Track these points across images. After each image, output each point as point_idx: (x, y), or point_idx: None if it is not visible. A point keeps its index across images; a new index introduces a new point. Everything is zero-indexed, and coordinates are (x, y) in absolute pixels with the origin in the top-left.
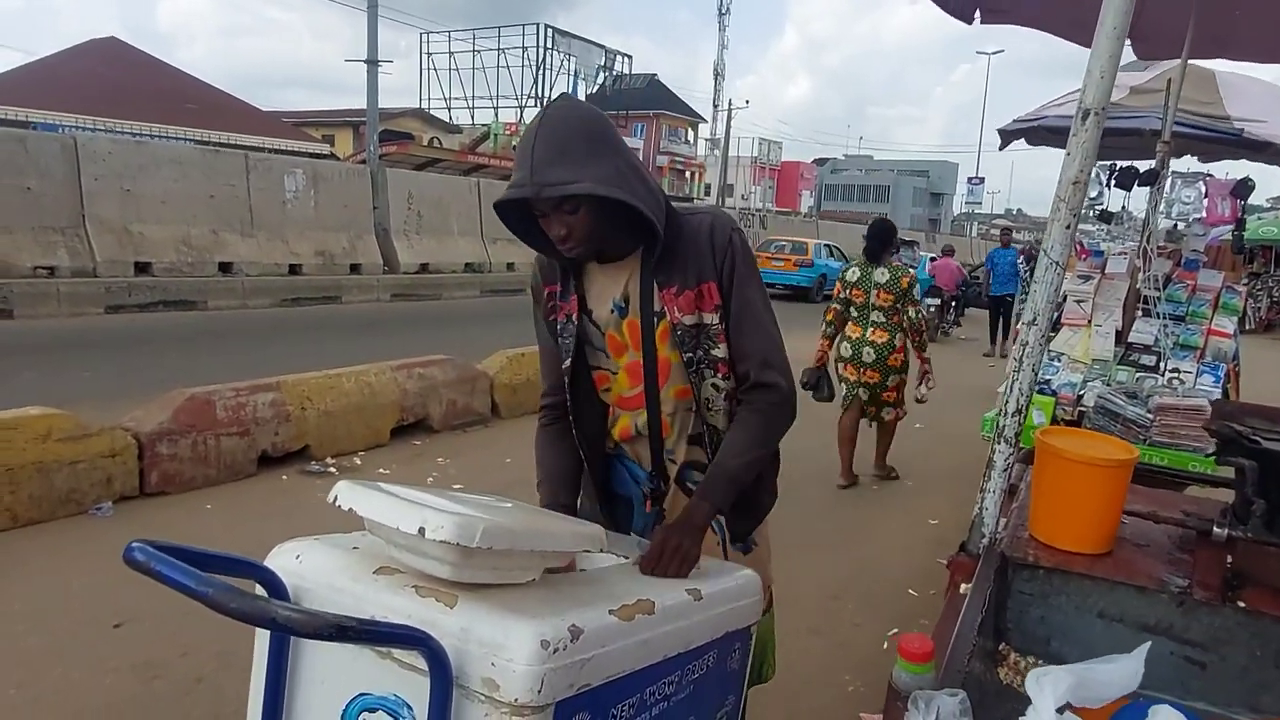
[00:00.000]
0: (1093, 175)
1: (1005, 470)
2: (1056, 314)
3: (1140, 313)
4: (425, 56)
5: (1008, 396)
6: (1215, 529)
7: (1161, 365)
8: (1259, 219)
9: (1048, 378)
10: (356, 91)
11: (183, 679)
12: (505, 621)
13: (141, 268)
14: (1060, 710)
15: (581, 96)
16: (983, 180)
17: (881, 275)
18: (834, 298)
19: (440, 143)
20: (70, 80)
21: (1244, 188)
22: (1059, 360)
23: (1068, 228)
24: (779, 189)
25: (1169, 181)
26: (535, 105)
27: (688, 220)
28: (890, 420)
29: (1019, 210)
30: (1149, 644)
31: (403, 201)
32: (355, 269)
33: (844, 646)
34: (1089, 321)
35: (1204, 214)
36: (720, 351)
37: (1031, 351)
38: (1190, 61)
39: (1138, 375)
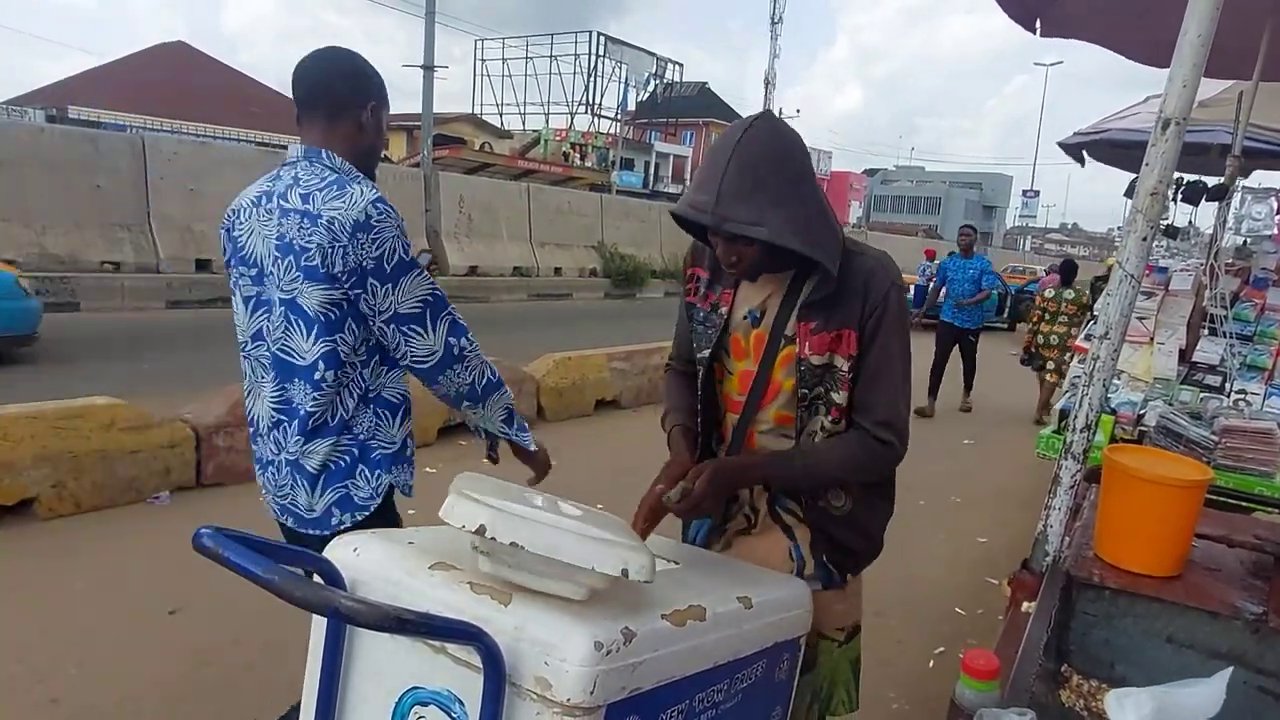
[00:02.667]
0: None
1: (1071, 487)
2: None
3: (1205, 331)
4: (479, 63)
5: (1076, 412)
6: None
7: (1227, 386)
8: None
9: (1108, 395)
10: (410, 96)
11: (233, 666)
12: (560, 622)
13: (202, 265)
14: None
15: (631, 104)
16: (1038, 193)
17: (1069, 293)
18: (1035, 305)
19: (491, 147)
20: (139, 82)
21: None
22: (1119, 378)
23: (1144, 240)
24: (829, 199)
25: (1239, 197)
26: (586, 111)
27: (850, 260)
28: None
29: (1075, 225)
30: (1231, 669)
31: (454, 205)
32: None
33: (888, 664)
34: (1151, 339)
35: (1275, 231)
36: (840, 397)
37: (1103, 366)
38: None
39: (1202, 395)
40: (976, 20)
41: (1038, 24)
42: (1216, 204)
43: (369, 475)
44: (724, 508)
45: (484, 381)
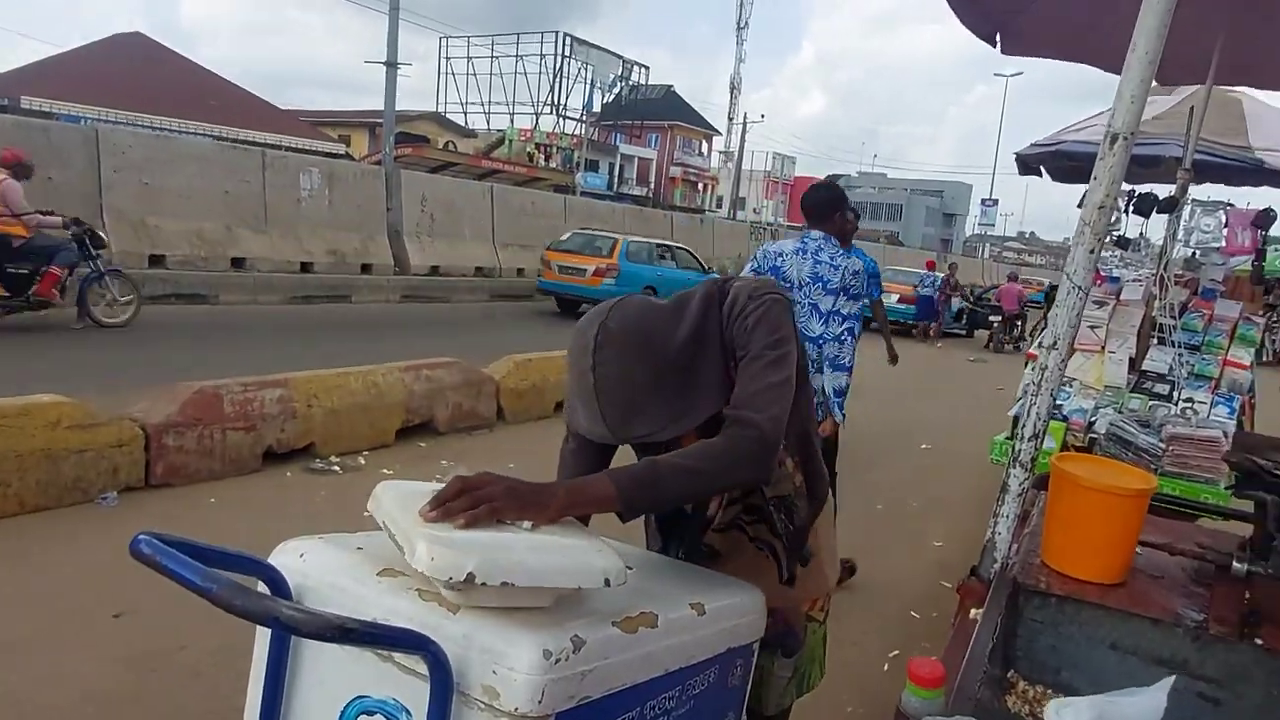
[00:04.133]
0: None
1: (1019, 495)
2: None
3: (1155, 340)
4: (444, 60)
5: (1024, 421)
6: (1235, 564)
7: (1175, 394)
8: (1277, 250)
9: (1059, 403)
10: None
11: (180, 672)
12: (508, 630)
13: (155, 260)
14: None
15: (597, 106)
16: (996, 202)
17: None
18: None
19: (455, 147)
20: (95, 73)
21: (1266, 218)
22: (1071, 386)
23: (1091, 252)
24: (791, 204)
25: (1188, 209)
26: (551, 112)
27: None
28: None
29: (1032, 233)
30: (1173, 678)
31: (416, 204)
32: (366, 269)
33: (844, 667)
34: (1103, 348)
35: (1223, 243)
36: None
37: (1051, 376)
38: (1216, 89)
39: (1150, 404)
40: (939, 30)
41: (998, 39)
42: (1167, 216)
43: None
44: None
45: None
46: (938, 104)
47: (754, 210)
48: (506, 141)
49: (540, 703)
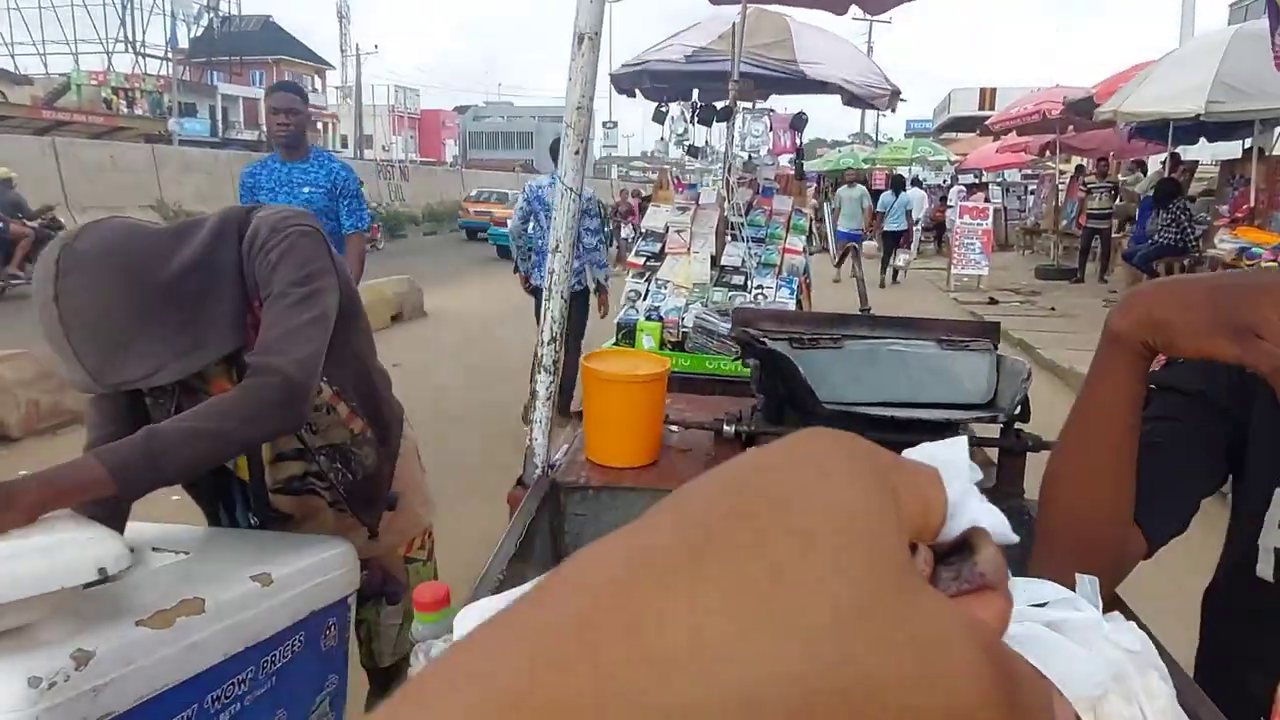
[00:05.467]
0: (679, 113)
1: (548, 399)
2: (661, 244)
3: (730, 238)
4: None
5: (543, 325)
6: (725, 427)
7: (749, 284)
8: (839, 152)
9: (656, 305)
10: None
11: None
12: None
13: None
14: None
15: (183, 40)
16: (616, 124)
17: None
18: None
19: (5, 97)
20: None
21: (799, 120)
22: (666, 287)
23: (576, 153)
24: (421, 139)
25: (740, 117)
26: (127, 50)
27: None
28: None
29: (654, 153)
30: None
31: None
32: None
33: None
34: (689, 250)
35: (770, 145)
36: None
37: (559, 280)
38: (764, 10)
39: (730, 294)
40: None
41: None
42: (725, 124)
43: None
44: None
45: None
46: (557, 28)
47: (383, 148)
48: (74, 87)
49: None
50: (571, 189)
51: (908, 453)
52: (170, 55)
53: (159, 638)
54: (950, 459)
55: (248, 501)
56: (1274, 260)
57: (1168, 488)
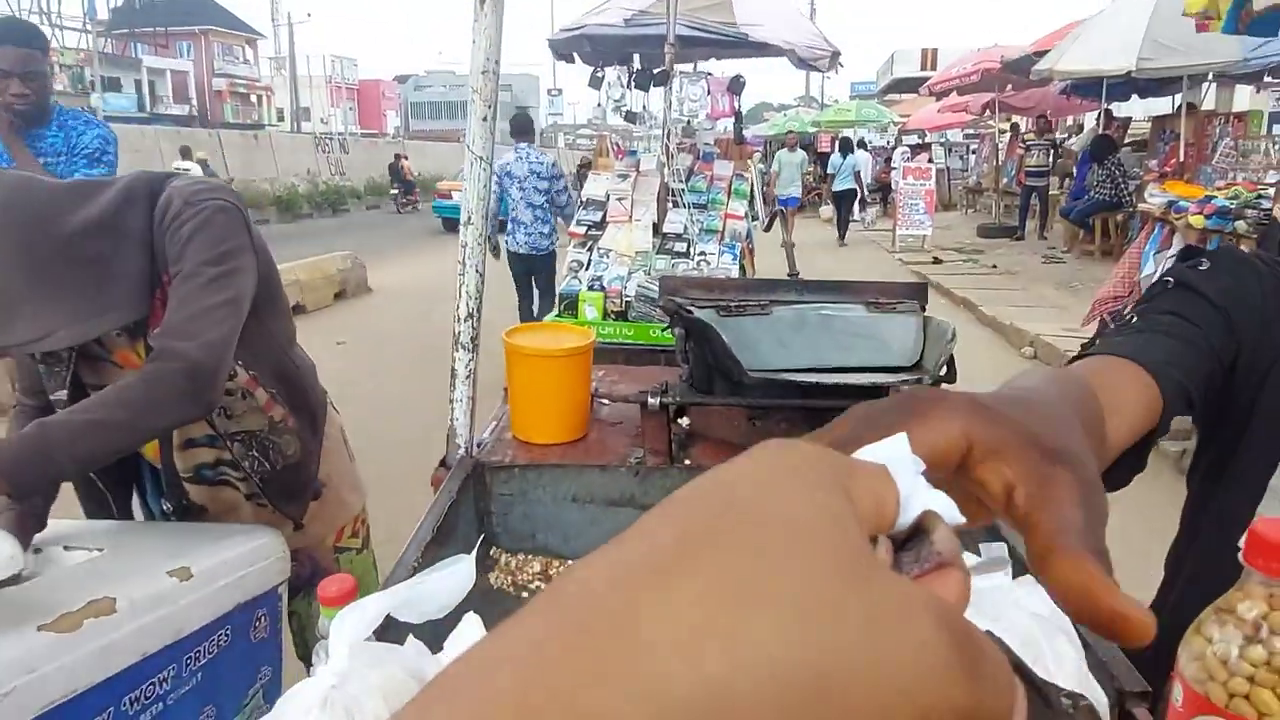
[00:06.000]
0: (616, 78)
1: (469, 378)
2: (602, 213)
3: (671, 205)
4: None
5: (459, 302)
6: (649, 399)
7: (691, 250)
8: (785, 116)
9: (599, 275)
10: None
11: None
12: None
13: None
14: None
15: (103, 11)
16: (560, 91)
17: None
18: None
19: None
20: None
21: (737, 83)
22: (609, 256)
23: (484, 119)
24: (361, 110)
25: (677, 81)
26: (42, 22)
27: None
28: None
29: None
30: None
31: None
32: None
33: None
34: (630, 217)
35: (709, 109)
36: None
37: (472, 252)
38: None
39: (673, 261)
40: None
41: None
42: (663, 89)
43: None
44: None
45: None
46: None
47: (321, 120)
48: None
49: None
50: (481, 157)
51: (855, 454)
52: (89, 27)
53: (63, 642)
54: (893, 455)
55: (160, 487)
56: (1199, 213)
57: (1180, 362)
